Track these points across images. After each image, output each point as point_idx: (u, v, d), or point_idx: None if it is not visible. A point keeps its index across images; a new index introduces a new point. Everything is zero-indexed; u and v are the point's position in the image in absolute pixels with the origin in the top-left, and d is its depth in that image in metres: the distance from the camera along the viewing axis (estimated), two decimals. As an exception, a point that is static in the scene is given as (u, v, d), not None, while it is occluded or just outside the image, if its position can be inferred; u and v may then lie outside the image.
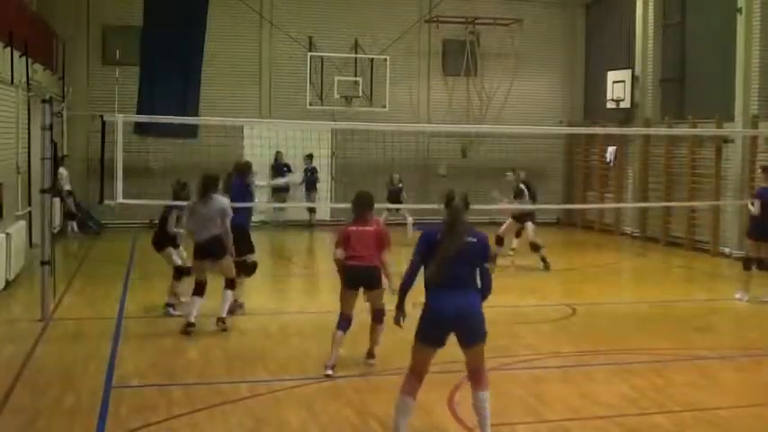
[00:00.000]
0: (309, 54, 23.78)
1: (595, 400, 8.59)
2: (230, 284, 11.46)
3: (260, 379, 9.19)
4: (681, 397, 8.68)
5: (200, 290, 11.33)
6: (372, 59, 24.17)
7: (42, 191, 12.23)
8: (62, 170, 21.51)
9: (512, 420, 7.98)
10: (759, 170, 14.32)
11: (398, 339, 11.19)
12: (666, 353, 10.61)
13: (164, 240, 12.56)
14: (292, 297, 13.28)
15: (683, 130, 20.60)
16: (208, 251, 11.28)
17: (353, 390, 8.79)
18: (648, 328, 12.41)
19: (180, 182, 12.57)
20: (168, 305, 12.30)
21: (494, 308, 12.31)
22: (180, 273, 12.41)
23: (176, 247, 12.64)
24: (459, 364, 10.06)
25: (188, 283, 11.87)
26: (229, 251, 11.48)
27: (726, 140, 19.24)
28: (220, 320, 11.17)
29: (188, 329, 11.02)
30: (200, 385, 8.93)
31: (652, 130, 21.74)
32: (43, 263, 12.07)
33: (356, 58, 24.41)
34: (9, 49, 14.77)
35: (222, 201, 11.39)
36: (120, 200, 13.24)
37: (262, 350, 10.51)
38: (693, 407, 8.38)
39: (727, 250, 19.17)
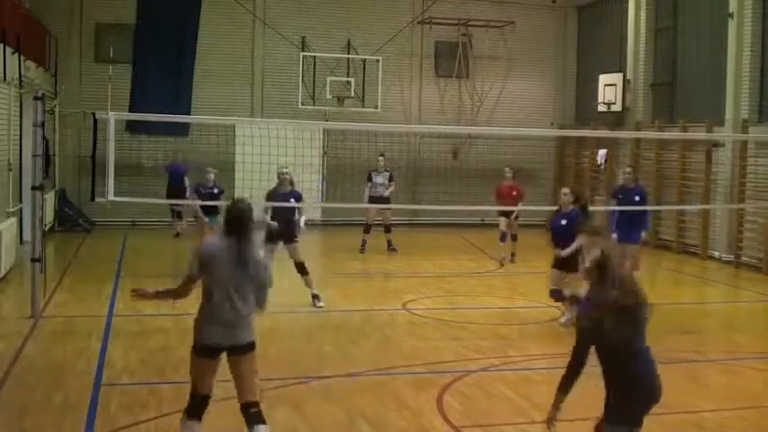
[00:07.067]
0: (302, 54, 23.78)
1: (584, 402, 8.60)
2: None
3: (249, 378, 9.20)
4: (667, 399, 8.66)
5: None
6: (365, 60, 24.18)
7: (33, 188, 12.22)
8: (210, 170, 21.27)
9: (500, 421, 8.01)
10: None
11: (386, 339, 11.28)
12: (654, 355, 10.65)
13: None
14: (283, 296, 13.27)
15: (673, 134, 20.67)
16: None
17: (342, 389, 8.81)
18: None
19: None
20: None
21: (483, 309, 12.43)
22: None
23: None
24: (447, 364, 10.12)
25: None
26: None
27: (716, 144, 19.31)
28: None
29: None
30: (188, 384, 8.93)
31: (643, 134, 21.79)
32: (34, 260, 12.07)
33: (349, 59, 24.41)
34: (2, 45, 14.74)
35: None
36: (112, 197, 13.23)
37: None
38: (680, 409, 8.41)
39: (716, 254, 19.24)
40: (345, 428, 7.70)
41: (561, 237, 12.00)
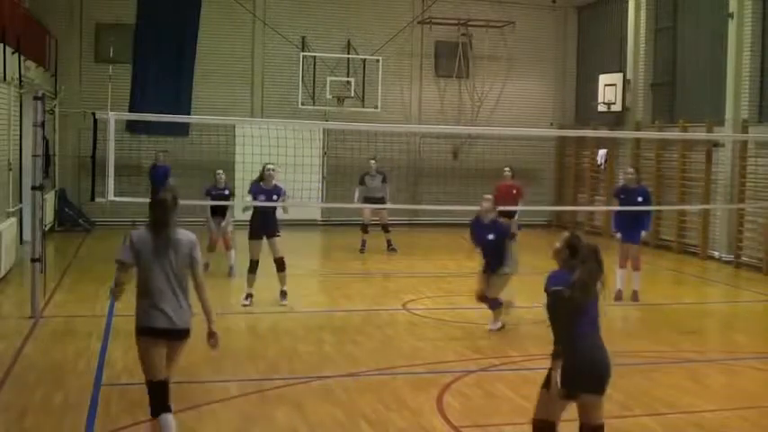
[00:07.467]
0: (302, 54, 23.79)
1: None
2: None
3: (249, 378, 9.21)
4: (668, 399, 8.74)
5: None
6: (365, 60, 24.19)
7: (33, 188, 12.22)
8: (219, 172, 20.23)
9: (500, 421, 8.01)
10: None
11: (386, 339, 11.28)
12: (655, 355, 10.67)
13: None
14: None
15: (673, 134, 20.67)
16: None
17: (342, 389, 8.81)
18: (637, 331, 12.49)
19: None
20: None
21: (483, 309, 12.41)
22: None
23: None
24: (447, 364, 10.10)
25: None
26: None
27: (716, 144, 19.31)
28: None
29: None
30: (190, 384, 8.93)
31: (643, 134, 21.79)
32: (34, 260, 12.06)
33: (349, 59, 24.42)
34: (2, 45, 14.74)
35: None
36: (112, 197, 13.21)
37: (251, 349, 10.53)
38: (681, 409, 8.43)
39: (716, 254, 19.24)
40: (345, 428, 7.69)
41: (490, 251, 11.64)
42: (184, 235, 6.71)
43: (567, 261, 6.05)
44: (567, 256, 6.06)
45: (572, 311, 5.92)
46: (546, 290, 6.00)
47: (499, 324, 11.69)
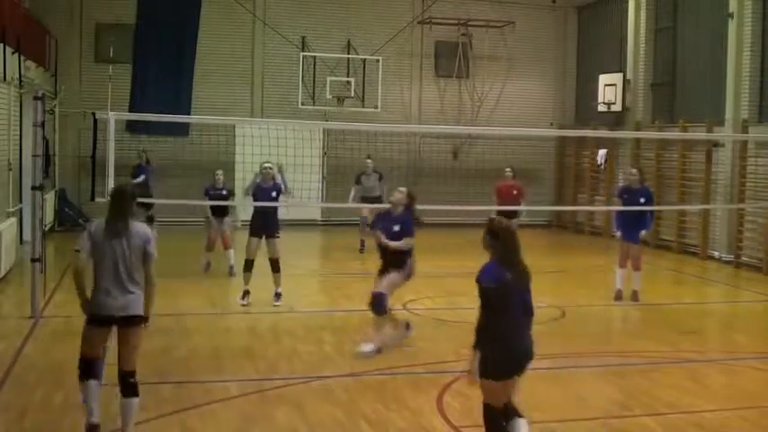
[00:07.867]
0: (302, 54, 23.80)
1: (584, 402, 8.63)
2: None
3: (249, 378, 9.20)
4: (668, 399, 8.73)
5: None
6: (365, 60, 24.19)
7: (33, 188, 12.22)
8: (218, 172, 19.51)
9: (500, 421, 8.00)
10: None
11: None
12: (654, 355, 10.67)
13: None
14: (282, 296, 13.30)
15: (673, 134, 20.67)
16: None
17: (342, 389, 8.81)
18: (637, 331, 12.49)
19: None
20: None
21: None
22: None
23: None
24: (447, 364, 10.10)
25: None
26: None
27: (716, 144, 19.31)
28: None
29: None
30: (190, 384, 8.94)
31: (643, 134, 21.80)
32: (34, 260, 12.06)
33: (349, 59, 24.42)
34: (2, 45, 14.74)
35: None
36: (112, 197, 13.20)
37: (251, 349, 10.53)
38: (681, 409, 8.42)
39: (716, 254, 19.24)
40: (345, 428, 7.69)
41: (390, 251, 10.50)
42: (140, 228, 7.00)
43: (492, 244, 6.56)
44: (490, 239, 6.57)
45: (507, 300, 6.35)
46: (478, 280, 6.38)
47: (372, 346, 10.28)
